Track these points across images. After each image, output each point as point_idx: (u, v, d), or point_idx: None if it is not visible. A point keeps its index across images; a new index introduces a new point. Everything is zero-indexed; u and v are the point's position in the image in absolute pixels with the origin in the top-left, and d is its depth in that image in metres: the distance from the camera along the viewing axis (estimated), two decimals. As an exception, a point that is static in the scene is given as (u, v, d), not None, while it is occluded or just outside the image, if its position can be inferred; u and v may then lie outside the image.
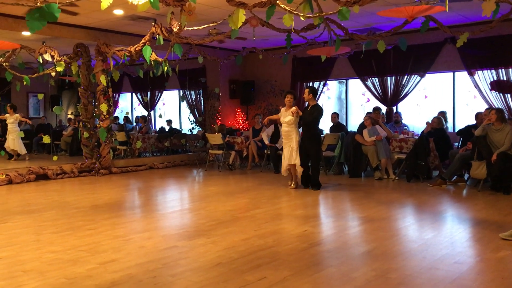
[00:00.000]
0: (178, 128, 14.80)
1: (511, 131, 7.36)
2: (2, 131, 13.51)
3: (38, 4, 4.23)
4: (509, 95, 9.87)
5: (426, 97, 11.52)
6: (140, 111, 16.84)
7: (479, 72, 10.21)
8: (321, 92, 12.93)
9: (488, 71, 10.11)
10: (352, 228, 5.34)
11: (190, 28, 7.01)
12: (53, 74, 10.65)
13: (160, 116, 13.29)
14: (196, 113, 14.52)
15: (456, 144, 9.30)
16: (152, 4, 5.07)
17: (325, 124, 11.97)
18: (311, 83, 12.95)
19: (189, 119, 14.76)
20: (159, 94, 15.81)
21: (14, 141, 11.51)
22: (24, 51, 10.22)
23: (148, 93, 15.72)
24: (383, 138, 9.02)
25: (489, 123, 7.58)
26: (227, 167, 11.07)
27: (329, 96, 13.34)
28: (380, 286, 3.44)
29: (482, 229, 5.13)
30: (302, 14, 5.37)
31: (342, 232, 5.13)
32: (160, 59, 8.75)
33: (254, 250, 4.36)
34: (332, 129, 10.72)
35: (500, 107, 9.57)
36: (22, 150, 11.61)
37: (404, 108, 11.64)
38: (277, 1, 5.40)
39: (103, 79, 10.21)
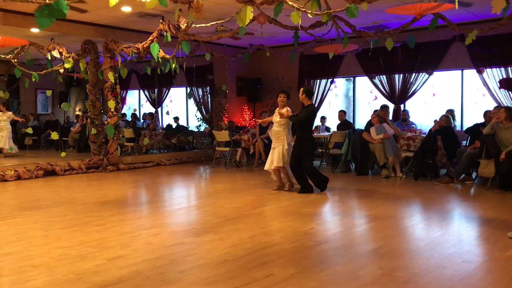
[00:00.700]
0: (185, 125, 14.83)
1: (520, 129, 7.31)
2: None
3: (47, 1, 4.25)
4: (518, 93, 9.80)
5: (434, 95, 11.46)
6: (148, 108, 16.89)
7: (488, 70, 10.15)
8: (329, 89, 12.91)
9: (497, 69, 10.04)
10: (359, 226, 5.34)
11: (197, 25, 7.01)
12: (61, 70, 10.70)
13: (168, 113, 13.32)
14: (203, 110, 14.54)
15: (464, 142, 9.26)
16: (160, 1, 5.08)
17: (332, 122, 11.96)
18: (318, 80, 12.94)
19: (196, 116, 14.79)
20: (167, 91, 15.85)
21: (3, 138, 11.64)
22: (32, 48, 10.28)
23: (156, 90, 15.76)
24: (390, 136, 8.98)
25: (498, 121, 7.53)
26: (233, 164, 11.08)
27: (336, 93, 13.31)
28: (387, 284, 3.43)
29: (490, 228, 5.10)
30: (310, 11, 5.35)
31: (349, 230, 5.13)
32: (167, 56, 8.76)
33: (261, 247, 4.37)
34: (339, 126, 10.70)
35: (509, 105, 9.50)
36: (6, 146, 11.62)
37: (411, 106, 11.59)
38: (285, -2, 5.38)
39: (111, 76, 10.25)
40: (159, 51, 8.45)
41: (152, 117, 13.84)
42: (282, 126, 7.44)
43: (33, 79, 10.55)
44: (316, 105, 12.99)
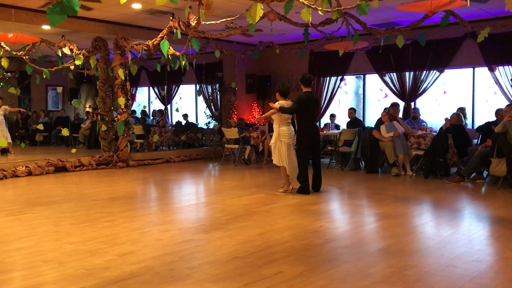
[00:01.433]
0: (195, 122, 14.86)
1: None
2: None
3: (58, -2, 4.28)
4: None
5: (445, 93, 11.37)
6: (157, 105, 16.94)
7: (500, 67, 10.05)
8: (338, 87, 12.86)
9: (509, 66, 9.94)
10: (368, 224, 5.32)
11: (207, 22, 7.02)
12: (72, 67, 10.78)
13: (177, 110, 13.37)
14: (213, 107, 14.56)
15: (475, 140, 9.18)
16: (170, -2, 5.09)
17: (342, 120, 11.92)
18: (328, 78, 12.89)
19: (205, 113, 14.81)
20: (176, 88, 15.89)
21: (2, 132, 11.37)
22: (43, 45, 10.37)
23: (165, 87, 15.81)
24: (401, 134, 8.93)
25: (510, 119, 7.45)
26: (242, 162, 11.09)
27: (346, 91, 13.26)
28: (396, 282, 3.41)
29: (501, 227, 5.06)
30: (320, 8, 5.33)
31: (359, 228, 5.11)
32: (177, 53, 8.79)
33: (270, 245, 4.37)
34: (349, 124, 10.66)
35: (521, 103, 9.40)
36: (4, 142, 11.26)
37: (422, 104, 11.51)
38: (296, -5, 5.37)
39: (121, 73, 10.29)
40: (169, 48, 8.47)
41: (161, 114, 13.89)
42: (276, 122, 7.16)
43: (44, 76, 10.64)
44: (325, 103, 12.96)
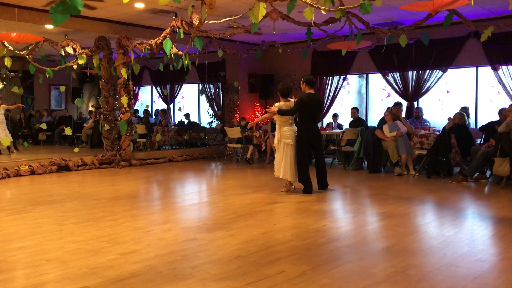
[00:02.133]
0: (197, 121, 14.87)
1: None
2: None
3: (61, -3, 4.28)
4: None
5: (448, 92, 11.35)
6: (160, 104, 16.96)
7: (504, 67, 10.02)
8: (341, 86, 12.85)
9: (513, 66, 9.91)
10: (371, 224, 5.31)
11: (210, 22, 7.02)
12: (75, 67, 10.80)
13: (180, 109, 13.39)
14: (215, 106, 14.57)
15: (478, 140, 9.15)
16: (173, -3, 5.09)
17: (344, 119, 11.91)
18: (331, 77, 12.88)
19: (208, 113, 14.82)
20: (179, 87, 15.90)
21: (4, 131, 11.37)
22: (46, 44, 10.39)
23: (168, 86, 15.83)
24: (403, 133, 8.92)
25: (513, 119, 7.43)
26: (245, 161, 11.09)
27: (349, 90, 13.24)
28: (399, 282, 3.41)
29: (505, 227, 5.04)
30: (323, 7, 5.33)
31: (361, 227, 5.10)
32: (180, 53, 8.79)
33: (272, 244, 4.37)
34: (351, 124, 10.65)
35: (525, 103, 9.37)
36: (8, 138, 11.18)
37: (425, 103, 11.49)
38: (298, -5, 5.37)
39: (123, 72, 10.31)
40: (172, 48, 8.47)
41: (164, 114, 13.91)
42: (277, 123, 7.20)
43: (47, 75, 10.67)
44: (328, 102, 12.95)
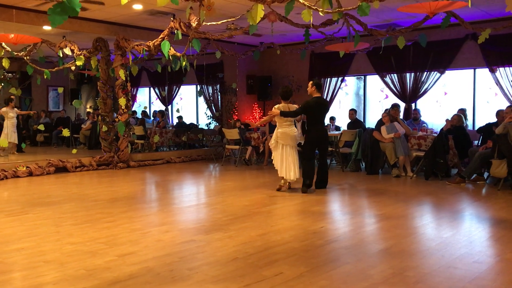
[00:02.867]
0: (195, 123, 14.87)
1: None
2: None
3: (60, -2, 4.28)
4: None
5: (445, 94, 11.37)
6: (158, 105, 16.95)
7: (501, 69, 10.05)
8: (339, 88, 12.86)
9: (510, 68, 9.94)
10: (369, 226, 5.31)
11: (208, 23, 7.02)
12: (73, 68, 10.78)
13: (178, 110, 13.38)
14: (213, 108, 14.56)
15: (476, 142, 9.17)
16: (171, -1, 5.09)
17: (342, 121, 11.92)
18: (328, 79, 12.89)
19: (206, 114, 14.81)
20: (177, 88, 15.89)
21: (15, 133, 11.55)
22: (44, 45, 10.37)
23: (166, 87, 15.81)
24: (401, 135, 8.93)
25: (511, 121, 7.44)
26: (243, 162, 11.09)
27: (347, 92, 13.26)
28: (397, 284, 3.41)
29: (502, 228, 5.05)
30: (321, 9, 5.33)
31: (359, 229, 5.11)
32: (178, 54, 8.79)
33: (270, 246, 4.37)
34: (349, 125, 10.65)
35: (522, 105, 9.39)
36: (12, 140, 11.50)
37: (423, 105, 11.51)
38: (296, -4, 5.37)
39: (122, 74, 10.30)
40: (170, 49, 8.47)
41: (162, 115, 13.90)
42: (277, 124, 7.46)
43: (45, 76, 10.64)
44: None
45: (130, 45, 9.93)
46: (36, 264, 3.85)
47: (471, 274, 3.61)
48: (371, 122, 12.10)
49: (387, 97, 12.19)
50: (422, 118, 10.50)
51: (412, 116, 10.58)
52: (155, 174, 9.75)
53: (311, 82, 7.67)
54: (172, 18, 8.17)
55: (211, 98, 14.61)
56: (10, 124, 11.41)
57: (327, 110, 8.00)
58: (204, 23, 6.58)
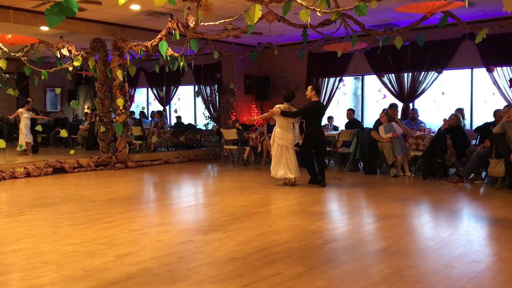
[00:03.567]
0: (193, 123, 14.86)
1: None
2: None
3: (57, -1, 4.28)
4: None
5: (443, 93, 11.39)
6: (156, 106, 16.94)
7: (498, 68, 10.07)
8: (337, 88, 12.87)
9: (507, 67, 9.97)
10: (367, 225, 5.32)
11: (206, 24, 7.02)
12: (70, 68, 10.77)
13: (176, 111, 13.37)
14: (211, 108, 14.56)
15: (474, 141, 9.19)
16: (169, -1, 5.09)
17: (340, 121, 11.93)
18: (326, 79, 12.91)
19: (204, 115, 14.81)
20: (175, 89, 15.88)
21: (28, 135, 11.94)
22: (42, 46, 10.35)
23: (164, 88, 15.80)
24: (399, 135, 8.94)
25: (508, 120, 7.46)
26: (241, 163, 11.09)
27: (344, 92, 13.27)
28: (395, 283, 3.42)
29: (500, 228, 5.07)
30: (318, 9, 5.34)
31: (357, 229, 5.11)
32: (176, 54, 8.79)
33: (269, 246, 4.37)
34: (347, 125, 10.66)
35: (519, 104, 9.41)
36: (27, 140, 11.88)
37: (421, 104, 11.53)
38: (294, -4, 5.37)
39: (119, 74, 10.29)
40: (168, 49, 8.46)
41: (160, 115, 13.89)
42: (276, 124, 7.89)
43: (42, 77, 10.63)
44: (324, 104, 12.96)
45: (128, 45, 9.92)
46: (34, 265, 3.84)
47: (469, 273, 3.62)
48: (369, 122, 12.11)
49: (385, 97, 12.21)
50: (420, 118, 10.51)
51: (410, 116, 10.60)
52: (153, 174, 9.74)
53: (310, 86, 8.00)
54: (169, 19, 8.17)
55: (209, 98, 14.60)
56: (23, 125, 11.78)
57: (324, 113, 8.41)
58: (201, 23, 6.58)
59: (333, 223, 5.48)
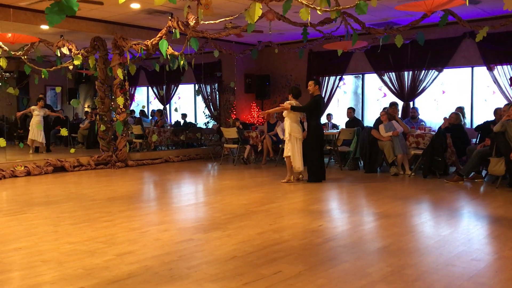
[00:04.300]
0: (193, 122, 14.86)
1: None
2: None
3: (57, -3, 4.27)
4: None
5: (443, 92, 11.38)
6: (156, 104, 16.93)
7: (499, 67, 10.06)
8: (337, 86, 12.86)
9: (508, 66, 9.95)
10: (367, 224, 5.32)
11: (206, 22, 7.01)
12: (71, 67, 10.77)
13: (176, 110, 13.37)
14: (211, 107, 14.56)
15: (474, 140, 9.18)
16: (169, -2, 5.08)
17: (341, 119, 11.92)
18: (327, 77, 12.90)
19: (204, 113, 14.81)
20: (175, 88, 15.88)
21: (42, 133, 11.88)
22: (42, 45, 10.35)
23: (164, 87, 15.80)
24: (399, 133, 8.94)
25: (509, 119, 7.45)
26: (242, 161, 11.09)
27: (345, 90, 13.26)
28: (395, 282, 3.42)
29: (500, 226, 5.07)
30: (319, 8, 5.33)
31: (358, 227, 5.11)
32: (176, 53, 8.78)
33: (269, 244, 4.37)
34: (348, 124, 10.66)
35: (520, 103, 9.40)
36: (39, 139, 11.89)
37: (421, 103, 11.53)
38: (294, -5, 5.37)
39: (119, 73, 10.28)
40: (168, 48, 8.46)
41: (160, 114, 13.89)
42: (286, 119, 8.01)
43: (43, 76, 10.63)
44: (324, 102, 12.97)
45: (128, 44, 9.92)
46: (35, 264, 3.84)
47: (469, 272, 3.62)
48: (369, 120, 12.11)
49: (385, 95, 12.20)
50: (420, 117, 10.50)
51: (410, 115, 10.59)
52: (153, 173, 9.75)
53: (312, 81, 8.21)
54: (170, 17, 8.16)
55: (209, 97, 14.60)
56: (34, 122, 11.67)
57: (325, 106, 8.64)
58: (202, 22, 6.57)
59: (333, 222, 5.48)
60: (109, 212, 5.83)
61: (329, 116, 11.78)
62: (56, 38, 10.46)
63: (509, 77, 9.90)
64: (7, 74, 14.42)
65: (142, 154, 11.67)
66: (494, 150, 7.52)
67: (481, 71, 10.58)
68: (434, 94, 11.43)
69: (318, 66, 12.98)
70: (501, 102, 9.59)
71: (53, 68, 10.89)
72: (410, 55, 11.24)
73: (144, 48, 9.28)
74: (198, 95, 14.80)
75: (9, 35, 8.14)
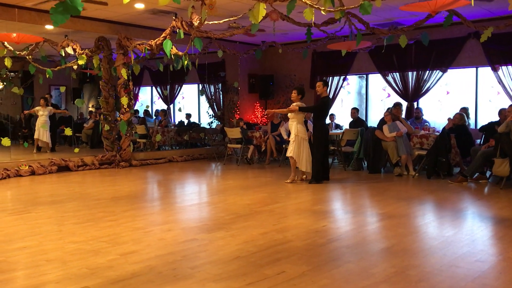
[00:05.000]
0: (197, 122, 14.88)
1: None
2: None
3: (62, -2, 4.28)
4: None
5: (448, 93, 11.35)
6: (160, 104, 16.96)
7: (503, 67, 10.03)
8: (341, 86, 12.85)
9: (513, 66, 9.91)
10: (371, 224, 5.31)
11: (210, 22, 7.02)
12: (75, 67, 10.80)
13: (180, 109, 13.39)
14: (215, 107, 14.57)
15: (478, 140, 9.15)
16: (173, -2, 5.09)
17: (344, 119, 11.90)
18: (330, 77, 12.88)
19: (208, 113, 14.82)
20: (179, 88, 15.90)
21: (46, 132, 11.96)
22: (47, 45, 10.38)
23: (168, 86, 15.82)
24: (403, 134, 8.92)
25: (513, 119, 7.43)
26: (245, 161, 11.09)
27: (349, 91, 13.25)
28: (399, 282, 3.41)
29: (504, 227, 5.05)
30: (323, 8, 5.32)
31: (361, 228, 5.11)
32: (180, 53, 8.79)
33: (272, 244, 4.37)
34: (351, 124, 10.65)
35: (525, 103, 9.36)
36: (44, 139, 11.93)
37: (425, 104, 11.49)
38: (298, -5, 5.36)
39: (124, 73, 10.31)
40: (172, 48, 8.46)
41: (164, 114, 13.91)
42: (292, 119, 8.05)
43: (47, 76, 10.67)
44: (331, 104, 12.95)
45: (132, 44, 9.94)
46: (39, 263, 3.86)
47: (473, 273, 3.61)
48: (373, 121, 12.09)
49: (389, 96, 12.18)
50: (424, 117, 10.48)
51: (414, 115, 10.57)
52: (157, 173, 9.76)
53: (321, 82, 8.24)
54: (174, 17, 8.16)
55: (213, 97, 14.60)
56: (39, 123, 11.78)
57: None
58: (206, 22, 6.58)
59: (337, 222, 5.48)
60: (113, 211, 5.85)
61: (332, 116, 11.76)
62: (60, 38, 10.49)
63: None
64: (12, 73, 14.47)
65: (146, 154, 11.69)
66: (498, 151, 7.50)
67: (485, 71, 10.54)
68: (438, 94, 11.40)
69: (322, 66, 12.96)
70: (506, 103, 9.55)
71: (58, 67, 10.93)
72: (414, 55, 11.21)
73: (148, 48, 9.29)
74: (202, 95, 14.82)
75: (14, 35, 8.17)
